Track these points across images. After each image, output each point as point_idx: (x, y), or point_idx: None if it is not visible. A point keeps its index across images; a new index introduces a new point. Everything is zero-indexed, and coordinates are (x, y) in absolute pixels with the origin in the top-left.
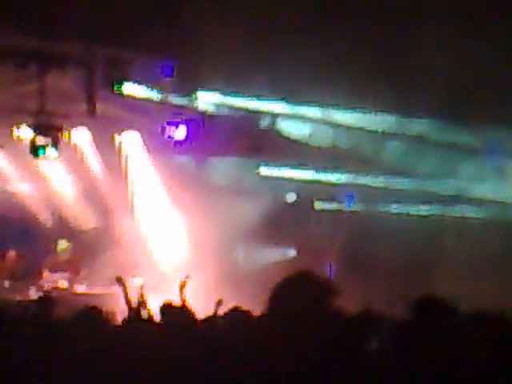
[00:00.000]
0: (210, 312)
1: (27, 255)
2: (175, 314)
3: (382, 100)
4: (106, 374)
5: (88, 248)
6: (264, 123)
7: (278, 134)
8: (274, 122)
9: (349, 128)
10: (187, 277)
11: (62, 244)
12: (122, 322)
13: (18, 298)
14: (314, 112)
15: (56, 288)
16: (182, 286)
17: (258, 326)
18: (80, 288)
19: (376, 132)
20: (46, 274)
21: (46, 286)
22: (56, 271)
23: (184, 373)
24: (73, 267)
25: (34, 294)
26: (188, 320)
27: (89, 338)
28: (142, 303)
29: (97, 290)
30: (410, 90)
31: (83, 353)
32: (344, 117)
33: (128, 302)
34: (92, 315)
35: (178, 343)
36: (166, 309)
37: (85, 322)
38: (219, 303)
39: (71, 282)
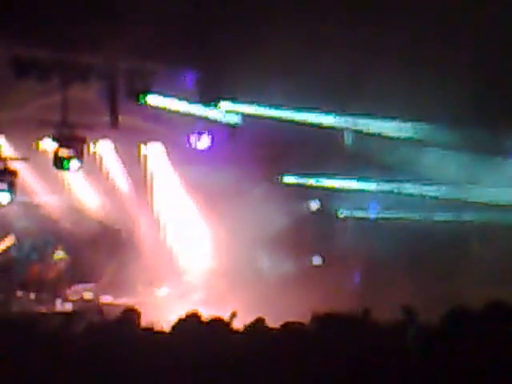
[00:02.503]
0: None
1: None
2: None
3: (407, 107)
4: None
5: (109, 258)
6: (348, 140)
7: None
8: (354, 139)
9: (372, 135)
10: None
11: (59, 254)
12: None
13: (44, 310)
14: (338, 120)
15: (81, 299)
16: (233, 316)
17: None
18: (105, 298)
19: (401, 139)
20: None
21: (72, 297)
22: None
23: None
24: (94, 276)
25: (59, 305)
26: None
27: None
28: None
29: (122, 301)
30: (433, 97)
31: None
32: (368, 124)
33: None
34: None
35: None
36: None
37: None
38: (233, 315)
39: (96, 293)
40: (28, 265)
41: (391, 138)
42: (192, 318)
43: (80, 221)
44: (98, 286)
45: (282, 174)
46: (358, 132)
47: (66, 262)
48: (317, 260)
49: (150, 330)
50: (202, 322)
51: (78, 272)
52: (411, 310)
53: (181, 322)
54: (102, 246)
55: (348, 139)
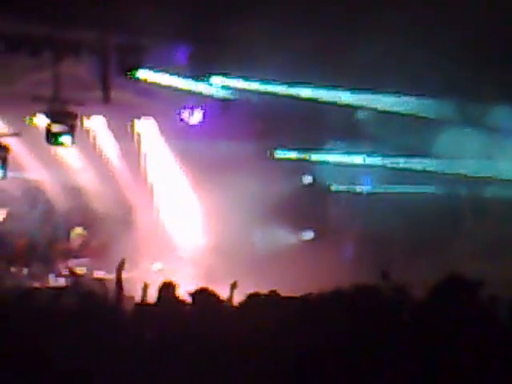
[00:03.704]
0: (226, 295)
1: (40, 242)
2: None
3: (398, 81)
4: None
5: (106, 234)
6: (360, 115)
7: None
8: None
9: (365, 109)
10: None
11: (76, 230)
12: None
13: (37, 284)
14: (329, 95)
15: (74, 274)
16: (233, 287)
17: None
18: (99, 274)
19: (392, 113)
20: (64, 260)
21: (65, 272)
22: (71, 258)
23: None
24: (92, 253)
25: (52, 280)
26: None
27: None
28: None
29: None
30: (423, 71)
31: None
32: (359, 98)
33: (119, 284)
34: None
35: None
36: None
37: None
38: (234, 286)
39: (90, 268)
40: (16, 239)
41: (386, 112)
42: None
43: (73, 196)
44: (92, 261)
45: (275, 149)
46: (352, 107)
47: (82, 237)
48: (308, 235)
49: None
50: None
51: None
52: (388, 275)
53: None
54: (96, 223)
55: (360, 115)
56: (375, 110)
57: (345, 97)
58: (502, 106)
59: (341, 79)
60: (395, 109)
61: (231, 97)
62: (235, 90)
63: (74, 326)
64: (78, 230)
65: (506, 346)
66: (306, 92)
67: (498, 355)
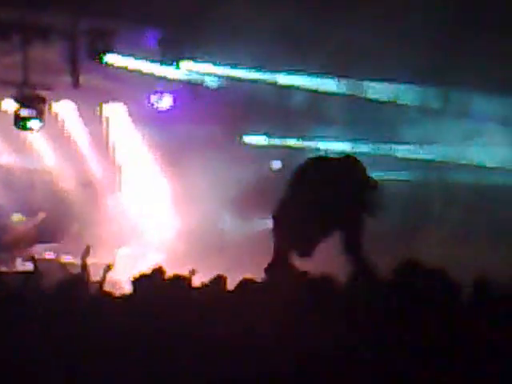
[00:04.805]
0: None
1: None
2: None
3: (367, 65)
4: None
5: (73, 218)
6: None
7: None
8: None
9: (331, 94)
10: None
11: (16, 217)
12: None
13: (4, 269)
14: (296, 80)
15: (43, 259)
16: (192, 273)
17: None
18: (66, 259)
19: (361, 98)
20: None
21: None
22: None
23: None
24: (54, 237)
25: (20, 265)
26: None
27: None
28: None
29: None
30: (393, 56)
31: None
32: (326, 83)
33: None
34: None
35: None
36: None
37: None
38: (192, 273)
39: (57, 252)
40: None
41: (354, 97)
42: (156, 274)
43: (40, 182)
44: (60, 246)
45: (243, 134)
46: (325, 93)
47: (23, 224)
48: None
49: (110, 295)
50: (164, 278)
51: (40, 233)
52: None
53: (144, 277)
54: (64, 207)
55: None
56: (345, 95)
57: (315, 82)
58: (474, 91)
59: (313, 64)
60: (364, 94)
61: (201, 82)
62: (205, 74)
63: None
64: (19, 217)
65: (463, 331)
66: (276, 77)
67: (455, 340)
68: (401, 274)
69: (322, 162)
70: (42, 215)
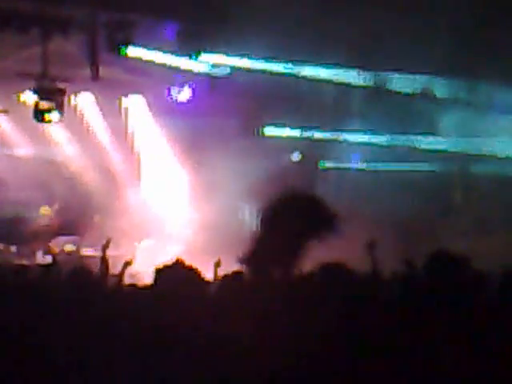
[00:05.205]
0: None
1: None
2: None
3: (388, 57)
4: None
5: (94, 211)
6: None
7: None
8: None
9: (353, 87)
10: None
11: (43, 210)
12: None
13: (25, 262)
14: (317, 72)
15: (63, 252)
16: (217, 265)
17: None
18: (87, 251)
19: (383, 90)
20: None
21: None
22: (56, 235)
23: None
24: (75, 230)
25: (40, 258)
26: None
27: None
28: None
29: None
30: (415, 47)
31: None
32: (347, 76)
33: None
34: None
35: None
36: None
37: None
38: (218, 264)
39: (78, 245)
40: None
41: (375, 90)
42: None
43: (60, 174)
44: (82, 239)
45: (263, 126)
46: (344, 84)
47: (49, 216)
48: None
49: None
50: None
51: (62, 226)
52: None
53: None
54: (85, 200)
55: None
56: (365, 87)
57: (334, 74)
58: (494, 83)
59: (331, 56)
60: (386, 86)
61: (220, 74)
62: (224, 67)
63: (59, 303)
64: (46, 209)
65: (493, 323)
66: (295, 69)
67: (486, 331)
68: (432, 265)
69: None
70: (55, 207)
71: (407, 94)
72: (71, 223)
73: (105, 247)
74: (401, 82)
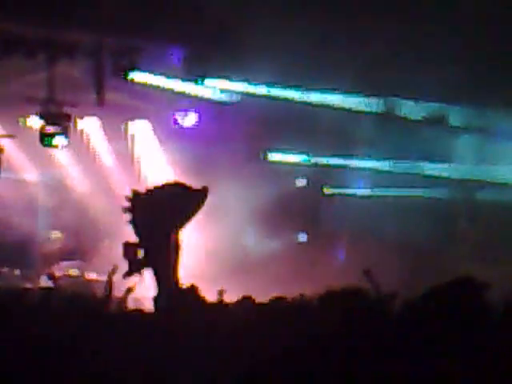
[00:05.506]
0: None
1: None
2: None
3: (393, 84)
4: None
5: (98, 235)
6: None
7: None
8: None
9: (356, 112)
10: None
11: (54, 234)
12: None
13: (29, 286)
14: (319, 97)
15: (67, 276)
16: (221, 294)
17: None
18: (90, 275)
19: (390, 116)
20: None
21: (57, 273)
22: (59, 260)
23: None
24: (83, 255)
25: (44, 281)
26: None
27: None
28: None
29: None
30: (422, 74)
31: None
32: (354, 102)
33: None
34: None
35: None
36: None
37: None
38: (221, 293)
39: (82, 269)
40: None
41: (380, 116)
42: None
43: (68, 199)
44: (84, 263)
45: (268, 151)
46: (352, 111)
47: (60, 240)
48: (302, 237)
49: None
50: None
51: (71, 250)
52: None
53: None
54: (93, 225)
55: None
56: (370, 113)
57: (339, 100)
58: (498, 110)
59: (337, 82)
60: (390, 112)
61: (225, 99)
62: (229, 92)
63: (61, 326)
64: (57, 234)
65: (501, 346)
66: (300, 95)
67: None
68: (454, 292)
69: None
70: (64, 231)
71: (416, 121)
72: (80, 248)
73: (111, 274)
74: (409, 108)
